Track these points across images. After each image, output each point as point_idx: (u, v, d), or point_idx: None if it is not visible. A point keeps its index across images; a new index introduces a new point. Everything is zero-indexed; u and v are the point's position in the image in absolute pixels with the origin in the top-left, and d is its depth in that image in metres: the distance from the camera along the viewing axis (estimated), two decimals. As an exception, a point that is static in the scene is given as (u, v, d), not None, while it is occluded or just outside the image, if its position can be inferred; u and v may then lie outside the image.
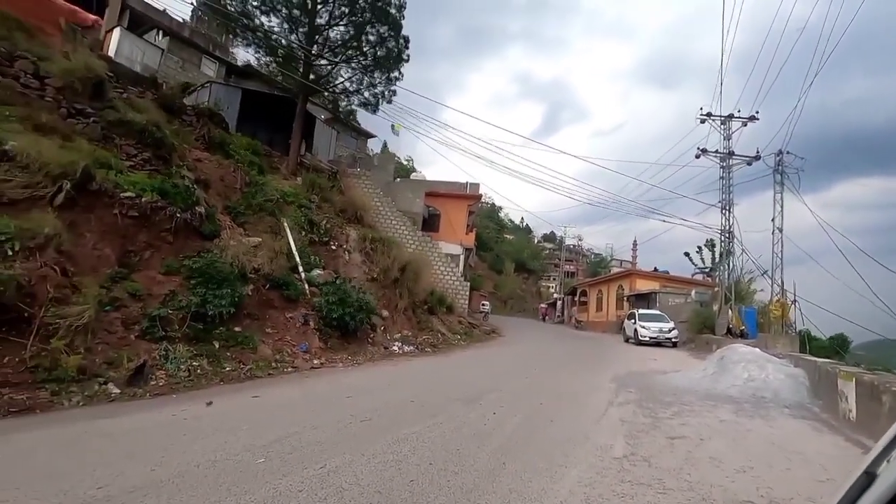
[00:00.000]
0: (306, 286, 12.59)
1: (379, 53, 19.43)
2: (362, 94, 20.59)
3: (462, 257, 25.85)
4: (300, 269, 12.97)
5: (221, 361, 8.74)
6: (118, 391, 6.70)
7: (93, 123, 10.69)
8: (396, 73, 20.00)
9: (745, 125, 21.42)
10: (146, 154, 11.40)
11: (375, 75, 19.97)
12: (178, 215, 10.23)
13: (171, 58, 24.39)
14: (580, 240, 76.71)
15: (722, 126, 21.49)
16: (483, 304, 35.30)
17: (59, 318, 6.79)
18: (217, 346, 9.05)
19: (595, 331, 32.30)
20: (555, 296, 56.54)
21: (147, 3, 24.09)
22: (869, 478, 0.55)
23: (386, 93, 20.41)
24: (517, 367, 11.32)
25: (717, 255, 31.90)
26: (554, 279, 69.26)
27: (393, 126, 26.58)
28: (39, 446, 4.08)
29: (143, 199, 9.63)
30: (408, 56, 19.80)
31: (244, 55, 25.03)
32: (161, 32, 23.94)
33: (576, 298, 42.72)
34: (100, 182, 9.01)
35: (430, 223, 26.20)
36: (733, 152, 21.42)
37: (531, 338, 21.89)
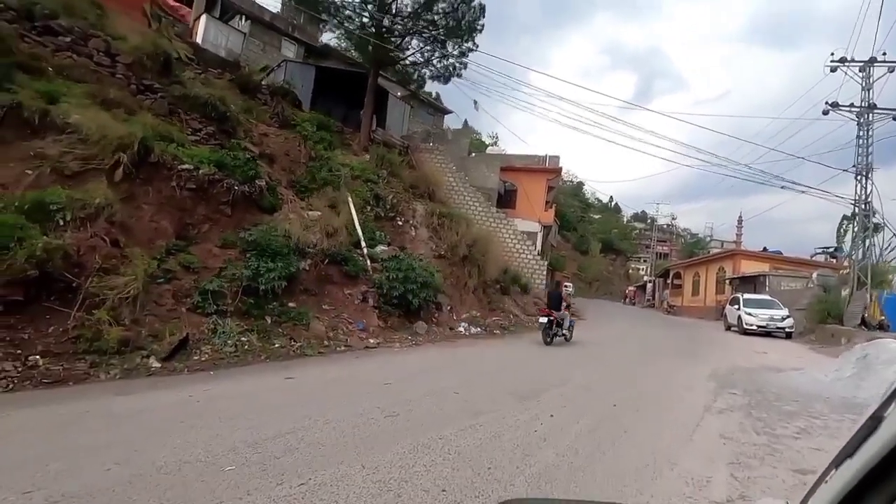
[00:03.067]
0: (368, 262, 12.05)
1: (451, 23, 18.23)
2: (433, 66, 19.61)
3: (540, 235, 24.24)
4: (363, 244, 12.46)
5: (272, 337, 8.40)
6: (158, 365, 6.50)
7: (160, 99, 10.81)
8: (470, 44, 18.69)
9: (893, 71, 17.42)
10: (210, 128, 11.40)
11: (447, 46, 18.86)
12: (236, 188, 10.05)
13: (253, 41, 25.01)
14: (673, 219, 70.77)
15: (861, 74, 17.65)
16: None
17: (107, 289, 6.70)
18: (269, 321, 8.74)
19: (690, 316, 29.19)
20: (645, 278, 52.58)
21: (232, -9, 24.82)
22: (875, 422, 0.53)
23: (457, 65, 19.23)
24: (593, 355, 9.95)
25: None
26: (644, 261, 64.54)
27: (476, 102, 25.58)
28: (25, 427, 3.72)
29: (200, 172, 9.51)
30: (482, 26, 18.42)
31: (325, 38, 25.08)
32: (244, 17, 24.61)
33: (668, 281, 39.15)
34: (158, 154, 8.97)
35: (505, 199, 24.84)
36: (875, 105, 17.58)
37: (615, 322, 19.99)
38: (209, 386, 5.49)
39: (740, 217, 51.56)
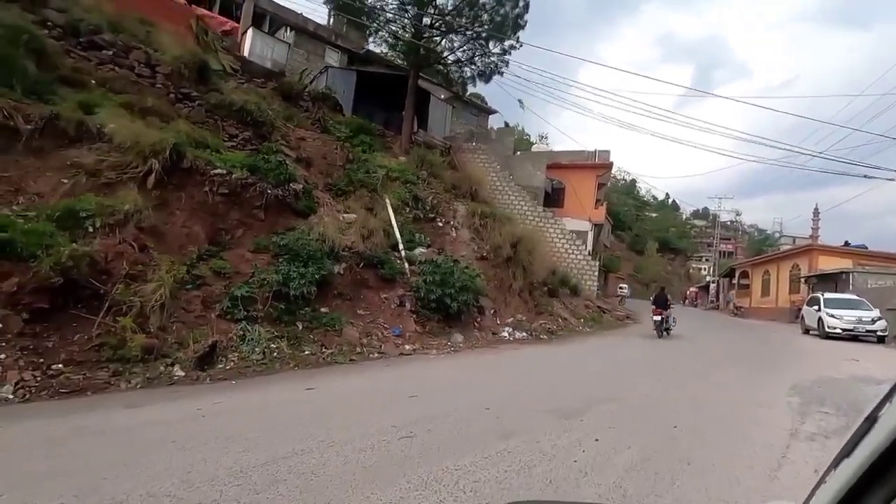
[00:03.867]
0: (406, 265, 11.62)
1: (496, 17, 17.65)
2: (475, 65, 19.08)
3: (590, 234, 23.02)
4: (400, 246, 12.05)
5: (302, 344, 8.09)
6: (182, 374, 6.29)
7: (197, 106, 10.92)
8: (513, 41, 18.01)
9: None
10: (246, 134, 11.41)
11: (489, 44, 18.29)
12: (269, 192, 9.90)
13: (298, 51, 25.41)
14: (738, 215, 66.15)
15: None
16: (620, 288, 31.82)
17: (134, 296, 6.59)
18: (300, 327, 8.44)
19: (760, 318, 26.78)
20: (707, 278, 49.40)
21: (278, 4, 25.53)
22: (870, 422, 0.52)
23: (499, 63, 18.61)
24: (648, 364, 8.96)
25: None
26: (706, 260, 60.80)
27: (521, 102, 24.90)
28: (7, 445, 3.45)
29: (233, 176, 9.42)
30: (525, 22, 17.74)
31: (368, 43, 25.24)
32: (289, 28, 25.12)
33: (734, 281, 36.38)
34: (191, 160, 8.93)
35: (553, 198, 23.82)
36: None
37: (676, 325, 18.50)
38: (224, 398, 5.16)
39: (816, 209, 45.93)
